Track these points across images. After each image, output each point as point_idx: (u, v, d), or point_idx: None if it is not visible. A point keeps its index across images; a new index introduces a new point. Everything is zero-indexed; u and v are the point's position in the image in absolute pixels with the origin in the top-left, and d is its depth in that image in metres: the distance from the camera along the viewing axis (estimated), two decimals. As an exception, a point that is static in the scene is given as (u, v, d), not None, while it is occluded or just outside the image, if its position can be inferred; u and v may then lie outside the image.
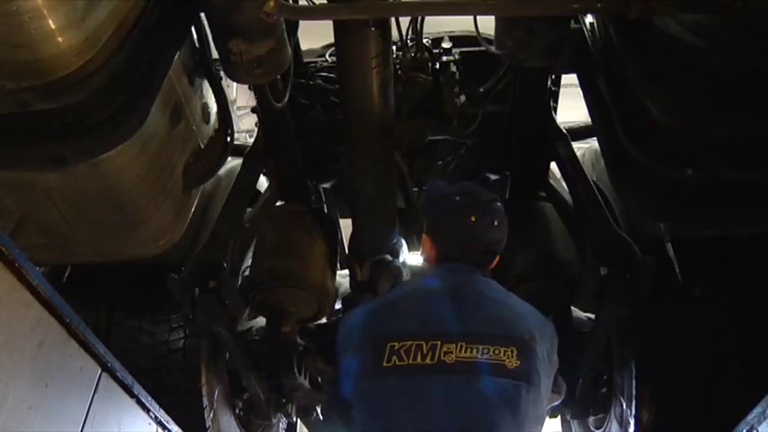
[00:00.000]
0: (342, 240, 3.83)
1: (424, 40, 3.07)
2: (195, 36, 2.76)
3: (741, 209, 2.43)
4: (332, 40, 2.85)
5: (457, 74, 3.11)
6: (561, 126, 3.25)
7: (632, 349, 3.04)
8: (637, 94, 2.20)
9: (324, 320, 3.69)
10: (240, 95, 9.13)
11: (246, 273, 3.39)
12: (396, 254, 3.40)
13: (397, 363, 1.99)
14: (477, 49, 3.13)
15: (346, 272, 3.62)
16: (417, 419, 1.94)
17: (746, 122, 2.09)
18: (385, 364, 1.99)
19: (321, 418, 3.82)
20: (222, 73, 2.71)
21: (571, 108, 4.52)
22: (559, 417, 3.69)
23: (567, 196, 3.21)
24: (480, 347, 1.99)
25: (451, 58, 3.16)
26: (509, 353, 2.00)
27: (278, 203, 3.48)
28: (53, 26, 1.84)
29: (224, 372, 3.47)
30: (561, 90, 3.44)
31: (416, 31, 2.94)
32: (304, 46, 3.43)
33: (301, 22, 2.81)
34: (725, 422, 2.14)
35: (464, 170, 3.52)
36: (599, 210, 2.91)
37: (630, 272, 2.75)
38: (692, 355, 2.93)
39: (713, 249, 2.97)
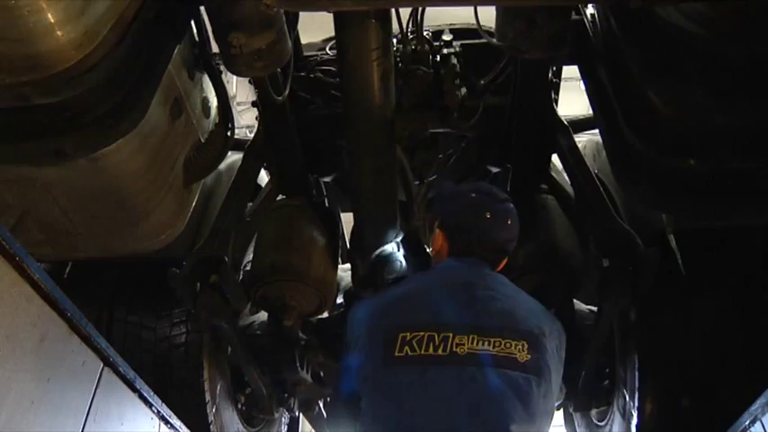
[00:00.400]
0: (343, 234, 3.83)
1: (425, 33, 3.06)
2: (195, 30, 2.75)
3: (744, 199, 2.41)
4: (331, 34, 2.87)
5: (458, 66, 3.09)
6: (562, 118, 3.24)
7: (635, 341, 3.03)
8: (638, 85, 2.19)
9: (326, 315, 3.69)
10: (240, 91, 9.14)
11: (248, 267, 3.39)
12: (397, 247, 3.40)
13: (409, 353, 2.00)
14: (477, 41, 3.12)
15: (348, 266, 3.62)
16: (430, 409, 1.96)
17: (749, 112, 2.08)
18: (397, 354, 2.01)
19: (325, 412, 3.83)
20: (222, 67, 2.71)
21: (572, 101, 4.52)
22: (562, 410, 3.70)
23: (569, 188, 3.21)
24: (492, 340, 2.02)
25: (452, 50, 3.14)
26: (520, 346, 2.02)
27: (279, 198, 3.48)
28: (52, 20, 1.83)
29: (226, 367, 3.47)
30: (562, 83, 3.43)
31: (417, 23, 2.92)
32: (304, 41, 3.42)
33: (301, 16, 2.80)
34: (728, 413, 2.13)
35: (465, 163, 3.51)
36: (601, 201, 2.91)
37: (633, 263, 2.74)
38: (695, 346, 2.92)
39: (716, 240, 2.96)
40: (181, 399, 3.03)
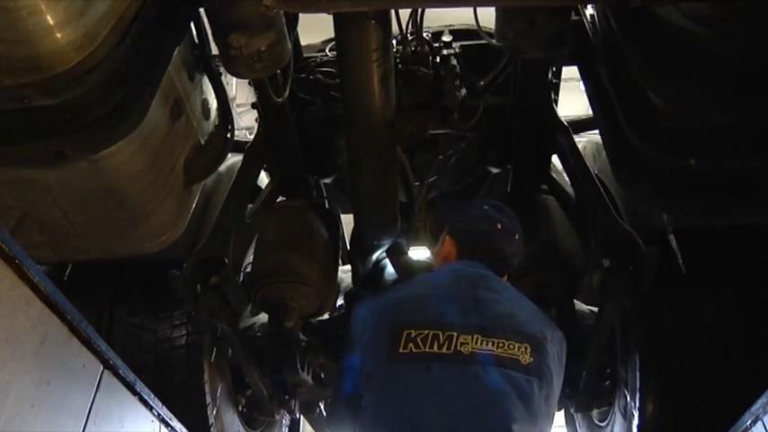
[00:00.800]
0: (343, 235, 3.83)
1: (425, 34, 3.06)
2: (194, 31, 2.75)
3: (745, 198, 2.42)
4: (331, 35, 2.86)
5: (457, 67, 3.10)
6: (562, 118, 3.24)
7: (636, 341, 3.03)
8: (639, 84, 2.19)
9: (326, 316, 3.69)
10: (240, 92, 9.14)
11: (248, 269, 3.38)
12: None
13: (414, 350, 2.03)
14: (477, 42, 3.12)
15: (348, 267, 3.61)
16: (433, 406, 1.98)
17: (750, 111, 2.07)
18: (401, 351, 2.04)
19: (326, 412, 3.82)
20: (222, 68, 2.70)
21: (572, 101, 4.52)
22: (563, 410, 3.69)
23: (569, 189, 3.20)
24: (496, 341, 2.05)
25: (452, 51, 3.15)
26: (523, 349, 2.06)
27: (279, 199, 3.48)
28: (51, 21, 1.83)
29: (227, 368, 3.47)
30: (561, 84, 3.43)
31: (416, 24, 2.92)
32: (303, 42, 3.42)
33: (301, 17, 2.79)
34: (730, 413, 2.13)
35: (465, 164, 3.51)
36: (601, 201, 2.91)
37: (633, 263, 2.74)
38: (696, 346, 2.92)
39: (716, 239, 2.96)
40: (181, 401, 3.03)
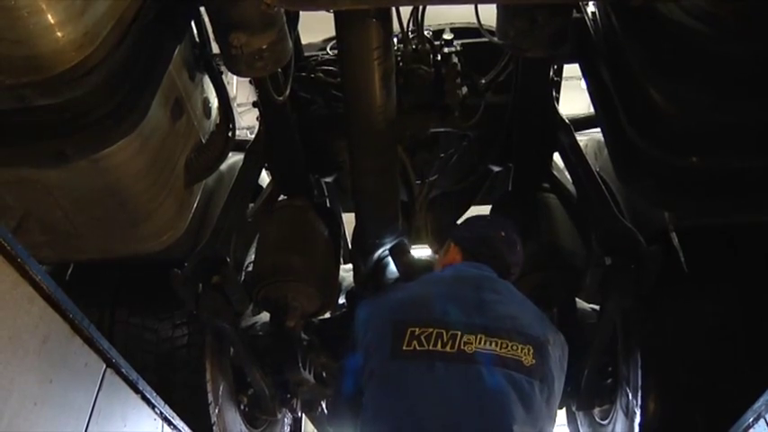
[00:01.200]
0: (345, 234, 3.82)
1: (426, 32, 3.06)
2: (195, 30, 2.75)
3: (747, 197, 2.41)
4: (331, 34, 2.86)
5: (458, 65, 3.09)
6: (564, 116, 3.23)
7: (638, 339, 3.03)
8: (640, 82, 2.19)
9: (328, 315, 3.69)
10: (240, 92, 9.12)
11: (250, 268, 3.38)
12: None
13: (417, 347, 2.04)
14: (478, 40, 3.12)
15: (350, 266, 3.61)
16: (435, 403, 1.98)
17: (752, 109, 2.07)
18: (405, 348, 2.05)
19: (327, 411, 3.82)
20: (223, 67, 2.70)
21: (573, 100, 4.51)
22: (565, 408, 3.69)
23: (571, 187, 3.20)
24: (499, 341, 2.06)
25: (453, 49, 3.15)
26: (526, 350, 2.07)
27: (280, 198, 3.47)
28: (52, 21, 1.83)
29: (228, 368, 3.47)
30: (563, 82, 3.42)
31: (417, 22, 2.92)
32: (304, 41, 3.42)
33: (301, 16, 2.79)
34: (732, 411, 2.12)
35: (466, 162, 3.50)
36: (603, 200, 2.90)
37: (635, 262, 2.74)
38: (697, 343, 2.92)
39: (718, 237, 2.96)
40: (183, 400, 3.03)
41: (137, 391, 2.23)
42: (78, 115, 2.12)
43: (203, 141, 2.88)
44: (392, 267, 3.38)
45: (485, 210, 3.56)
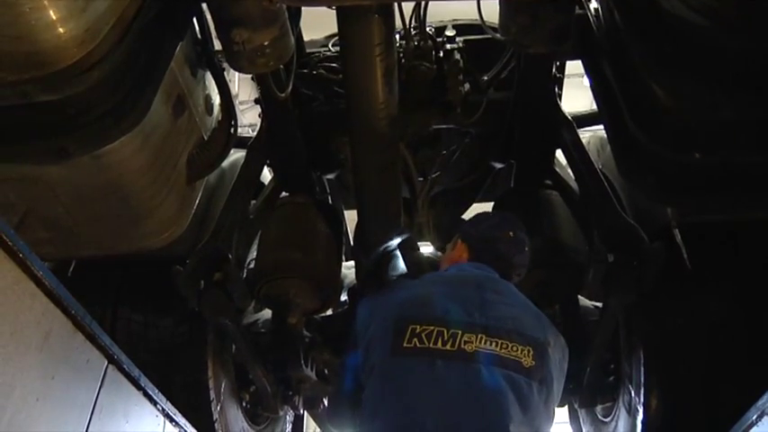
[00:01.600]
0: (347, 231, 3.82)
1: (428, 29, 3.05)
2: (197, 27, 2.74)
3: (750, 193, 2.40)
4: (333, 31, 2.85)
5: (461, 62, 3.09)
6: (566, 113, 3.23)
7: (640, 336, 3.02)
8: (643, 78, 2.18)
9: (330, 312, 3.69)
10: (242, 89, 9.13)
11: (251, 265, 3.38)
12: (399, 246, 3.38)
13: (418, 345, 2.04)
14: (480, 36, 3.12)
15: (352, 263, 3.61)
16: (434, 401, 1.98)
17: (755, 105, 2.06)
18: (406, 345, 2.05)
19: (327, 407, 3.82)
20: (225, 64, 2.70)
21: (574, 97, 4.50)
22: (567, 406, 3.69)
23: (573, 183, 3.20)
24: (499, 341, 2.07)
25: (455, 46, 3.14)
26: (526, 352, 2.07)
27: (282, 195, 3.47)
28: (54, 17, 1.83)
29: (230, 365, 3.47)
30: (564, 79, 3.42)
31: (419, 18, 2.92)
32: (306, 38, 3.41)
33: (303, 13, 2.79)
34: (735, 408, 2.12)
35: (468, 159, 3.50)
36: (605, 196, 2.90)
37: (638, 258, 2.73)
38: (700, 340, 2.91)
39: (721, 234, 2.95)
40: (185, 397, 3.02)
41: (139, 387, 2.22)
42: (80, 112, 2.11)
43: (205, 138, 2.87)
44: (395, 264, 3.37)
45: (487, 207, 3.56)
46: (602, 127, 3.04)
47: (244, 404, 3.60)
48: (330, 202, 3.64)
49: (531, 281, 2.97)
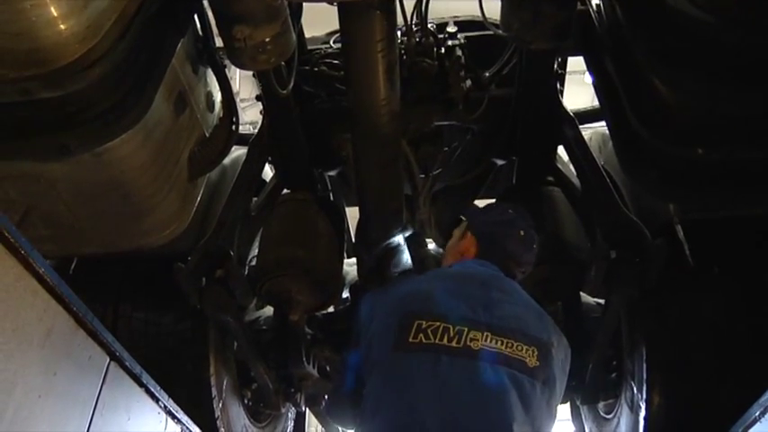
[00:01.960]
0: (348, 228, 3.82)
1: (429, 25, 3.05)
2: (198, 24, 2.74)
3: (752, 189, 2.40)
4: (335, 28, 2.85)
5: (462, 58, 3.08)
6: (568, 109, 3.22)
7: (642, 333, 3.02)
8: (645, 74, 2.17)
9: (331, 309, 3.69)
10: (243, 87, 9.13)
11: (253, 262, 3.38)
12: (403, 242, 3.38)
13: (424, 340, 2.02)
14: (482, 33, 3.11)
15: (353, 260, 3.61)
16: (438, 397, 1.96)
17: (758, 100, 2.06)
18: (411, 340, 2.03)
19: (328, 404, 3.82)
20: (226, 61, 2.69)
21: (576, 94, 4.50)
22: (569, 402, 3.69)
23: (576, 180, 3.19)
24: (505, 340, 2.05)
25: (457, 42, 3.13)
26: (530, 352, 2.06)
27: (284, 192, 3.47)
28: (55, 14, 1.83)
29: (232, 362, 3.47)
30: (566, 77, 3.41)
31: (421, 15, 2.91)
32: (307, 35, 3.41)
33: (305, 10, 2.78)
34: (737, 405, 2.11)
35: (470, 156, 3.49)
36: (608, 193, 2.89)
37: (640, 255, 2.73)
38: (703, 337, 2.91)
39: (723, 230, 2.94)
40: (187, 394, 3.02)
41: (141, 384, 2.22)
42: (81, 109, 2.11)
43: (206, 135, 2.87)
44: (397, 260, 3.37)
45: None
46: (603, 123, 3.04)
47: (246, 401, 3.60)
48: (332, 199, 3.63)
49: (534, 277, 2.96)
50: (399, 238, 3.35)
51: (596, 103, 3.01)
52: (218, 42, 2.57)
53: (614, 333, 3.08)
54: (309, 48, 3.38)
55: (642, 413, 2.96)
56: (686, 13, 1.95)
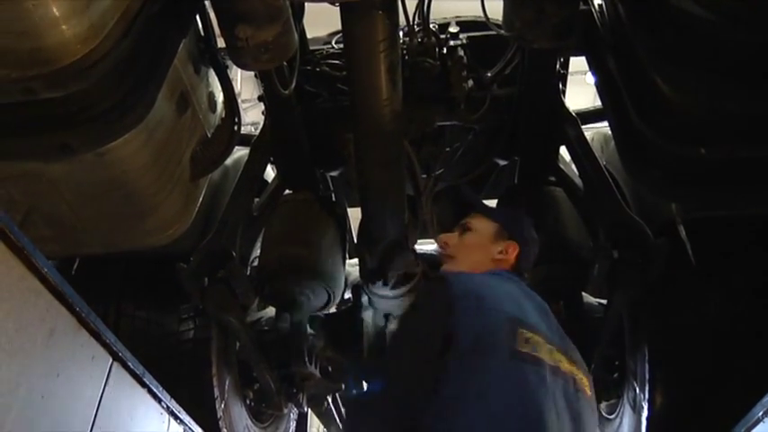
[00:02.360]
0: (350, 229, 3.82)
1: (431, 25, 3.05)
2: (200, 24, 2.74)
3: (756, 188, 2.40)
4: (336, 29, 2.85)
5: (464, 58, 3.08)
6: (570, 109, 3.22)
7: (645, 333, 3.02)
8: (648, 73, 2.17)
9: (333, 309, 3.69)
10: (245, 88, 9.13)
11: (255, 262, 3.38)
12: (405, 241, 3.38)
13: (531, 352, 1.80)
14: (484, 33, 3.11)
15: (355, 261, 3.61)
16: (553, 414, 1.76)
17: (761, 99, 2.05)
18: (521, 349, 1.79)
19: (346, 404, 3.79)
20: (228, 61, 2.70)
21: (578, 94, 4.50)
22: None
23: (578, 180, 3.19)
24: (575, 366, 1.92)
25: (459, 42, 3.13)
26: (588, 382, 1.95)
27: (286, 192, 3.47)
28: (57, 14, 1.83)
29: (234, 362, 3.47)
30: (568, 77, 3.41)
31: (423, 15, 2.91)
32: (309, 35, 3.41)
33: (307, 10, 2.78)
34: (740, 405, 2.11)
35: (472, 156, 3.49)
36: (610, 193, 2.89)
37: (642, 254, 2.73)
38: (705, 337, 2.90)
39: (725, 229, 2.94)
40: (189, 395, 3.02)
41: (143, 384, 2.22)
42: (83, 108, 2.11)
43: (209, 135, 2.87)
44: (398, 260, 3.36)
45: (490, 204, 3.55)
46: (605, 123, 3.04)
47: (248, 402, 3.60)
48: (334, 199, 3.63)
49: (536, 277, 2.96)
50: (401, 238, 3.33)
51: (598, 103, 3.01)
52: (220, 42, 2.57)
53: (616, 333, 3.08)
54: (311, 48, 3.38)
55: (644, 413, 2.96)
56: (688, 12, 1.95)
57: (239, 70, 3.52)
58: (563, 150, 3.34)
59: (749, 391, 2.07)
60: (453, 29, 3.18)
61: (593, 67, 2.74)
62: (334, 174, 3.67)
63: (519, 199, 3.33)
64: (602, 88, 2.66)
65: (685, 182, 2.41)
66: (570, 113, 3.18)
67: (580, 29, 2.62)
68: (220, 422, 3.20)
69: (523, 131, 3.23)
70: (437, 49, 3.07)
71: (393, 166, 2.90)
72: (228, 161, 3.14)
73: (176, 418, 2.49)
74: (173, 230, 2.82)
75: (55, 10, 1.82)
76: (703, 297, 2.98)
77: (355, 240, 3.54)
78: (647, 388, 2.94)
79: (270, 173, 3.58)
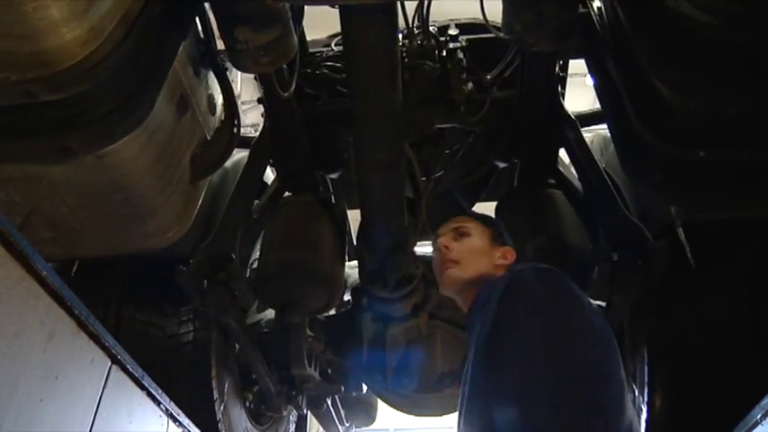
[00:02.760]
0: (350, 231, 3.82)
1: (431, 28, 3.05)
2: (200, 26, 2.74)
3: (756, 190, 2.39)
4: (336, 31, 2.85)
5: (464, 61, 3.08)
6: (570, 111, 3.22)
7: (644, 335, 3.02)
8: (647, 75, 2.17)
9: (333, 312, 3.69)
10: (245, 90, 9.14)
11: (255, 265, 3.38)
12: (404, 243, 3.38)
13: None
14: (483, 36, 3.11)
15: (355, 263, 3.61)
16: None
17: (761, 102, 2.05)
18: None
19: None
20: (228, 64, 2.70)
21: (577, 97, 4.50)
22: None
23: (577, 182, 3.19)
24: None
25: (458, 45, 3.13)
26: None
27: (285, 195, 3.47)
28: (57, 16, 1.83)
29: (234, 364, 3.47)
30: (568, 79, 3.41)
31: (423, 17, 2.91)
32: (308, 38, 3.41)
33: (306, 13, 2.79)
34: (740, 407, 2.11)
35: (472, 158, 3.49)
36: (609, 195, 2.89)
37: (642, 257, 2.73)
38: (704, 339, 2.91)
39: (725, 232, 2.94)
40: (189, 397, 3.02)
41: (142, 387, 2.22)
42: (83, 111, 2.10)
43: (208, 137, 2.87)
44: (398, 262, 3.36)
45: (490, 206, 3.55)
46: (605, 126, 3.04)
47: (247, 404, 3.61)
48: (333, 201, 3.63)
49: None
50: (401, 241, 3.33)
51: (597, 105, 3.01)
52: (220, 45, 2.57)
53: (616, 335, 3.07)
54: (311, 50, 3.38)
55: (644, 415, 2.96)
56: (688, 15, 1.95)
57: (239, 72, 3.52)
58: (562, 153, 3.35)
59: (748, 394, 2.07)
60: (453, 31, 3.18)
61: (593, 69, 2.74)
62: (333, 176, 3.67)
63: (519, 201, 3.33)
64: (601, 91, 2.66)
65: (685, 184, 2.40)
66: (570, 116, 3.18)
67: (579, 32, 2.63)
68: (220, 424, 3.20)
69: (523, 134, 3.23)
70: (437, 52, 3.07)
71: (393, 168, 2.90)
72: (228, 163, 3.14)
73: (175, 420, 2.49)
74: (172, 233, 2.82)
75: (55, 13, 1.82)
76: (703, 299, 2.98)
77: (355, 242, 3.54)
78: (645, 390, 2.94)
79: (269, 175, 3.58)
